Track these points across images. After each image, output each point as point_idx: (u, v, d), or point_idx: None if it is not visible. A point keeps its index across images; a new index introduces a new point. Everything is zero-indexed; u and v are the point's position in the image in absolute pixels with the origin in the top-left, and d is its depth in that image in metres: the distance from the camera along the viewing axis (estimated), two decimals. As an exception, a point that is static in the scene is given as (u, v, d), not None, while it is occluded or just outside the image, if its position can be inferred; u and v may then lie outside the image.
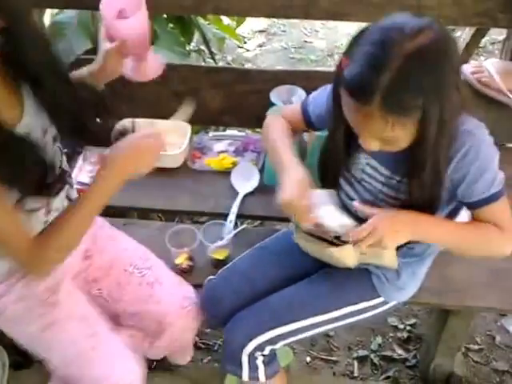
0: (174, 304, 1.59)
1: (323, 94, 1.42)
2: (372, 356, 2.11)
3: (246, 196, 1.87)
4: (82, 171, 1.94)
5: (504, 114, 1.95)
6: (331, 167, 1.41)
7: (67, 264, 1.38)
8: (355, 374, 2.06)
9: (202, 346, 2.14)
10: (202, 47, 2.87)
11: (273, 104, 1.87)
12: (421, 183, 1.22)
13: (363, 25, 1.15)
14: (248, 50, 4.02)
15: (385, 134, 1.12)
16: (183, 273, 1.71)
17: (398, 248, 1.41)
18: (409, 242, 1.32)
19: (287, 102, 1.90)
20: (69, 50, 2.03)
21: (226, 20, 2.91)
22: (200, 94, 2.07)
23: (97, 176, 1.27)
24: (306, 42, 4.07)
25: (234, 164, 1.98)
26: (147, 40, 1.42)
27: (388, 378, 2.04)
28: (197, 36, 2.76)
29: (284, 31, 4.20)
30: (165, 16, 2.48)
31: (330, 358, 2.11)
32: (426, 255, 1.46)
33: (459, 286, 1.68)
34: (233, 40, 3.42)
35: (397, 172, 1.28)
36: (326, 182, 1.46)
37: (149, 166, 1.34)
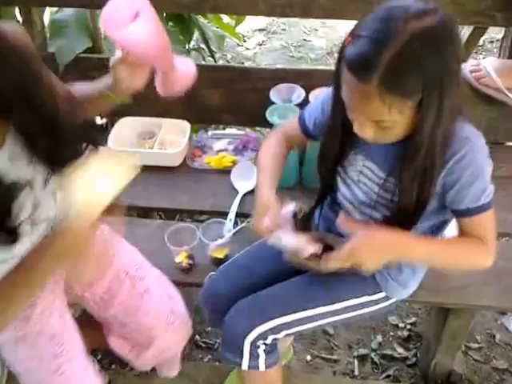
0: (162, 318, 1.59)
1: (318, 100, 1.44)
2: (372, 355, 2.11)
3: (245, 195, 1.87)
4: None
5: (503, 112, 1.95)
6: (328, 168, 1.42)
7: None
8: (355, 373, 2.06)
9: (203, 345, 2.14)
10: (202, 46, 2.86)
11: (272, 103, 1.87)
12: (411, 176, 1.20)
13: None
14: (248, 49, 4.02)
15: (381, 117, 1.11)
16: (183, 271, 1.71)
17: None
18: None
19: (287, 101, 1.91)
20: (68, 48, 2.02)
21: (225, 18, 2.91)
22: (199, 93, 2.07)
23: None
24: (305, 40, 4.08)
25: (234, 163, 1.98)
26: (163, 49, 1.27)
27: (388, 376, 2.04)
28: (196, 34, 2.76)
29: (284, 30, 4.20)
30: (164, 15, 2.48)
31: (330, 356, 2.11)
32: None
33: (459, 284, 1.68)
34: (232, 38, 3.42)
35: (392, 174, 1.28)
36: (324, 183, 1.47)
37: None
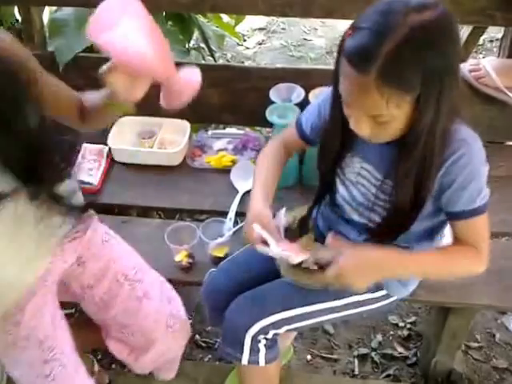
0: (161, 321, 1.59)
1: (315, 104, 1.45)
2: (372, 354, 2.11)
3: (245, 194, 1.87)
4: (81, 169, 1.94)
5: (502, 111, 1.95)
6: (327, 169, 1.42)
7: (42, 279, 1.36)
8: (356, 372, 2.06)
9: (203, 345, 2.14)
10: (202, 45, 2.86)
11: (272, 102, 1.87)
12: (407, 175, 1.20)
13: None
14: (247, 48, 4.02)
15: (379, 111, 1.10)
16: (183, 270, 1.71)
17: (398, 244, 1.43)
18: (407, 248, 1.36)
19: (286, 100, 1.91)
20: (67, 47, 2.02)
21: (225, 18, 2.91)
22: (199, 92, 2.05)
23: None
24: (305, 39, 4.07)
25: (234, 162, 1.98)
26: (159, 59, 1.14)
27: (388, 375, 2.04)
28: (196, 34, 2.76)
29: (283, 29, 4.20)
30: (164, 14, 2.48)
31: (330, 356, 2.11)
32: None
33: (459, 283, 1.68)
34: (232, 38, 3.42)
35: (389, 176, 1.28)
36: (323, 182, 1.47)
37: None
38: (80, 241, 1.45)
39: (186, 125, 2.04)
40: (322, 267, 1.30)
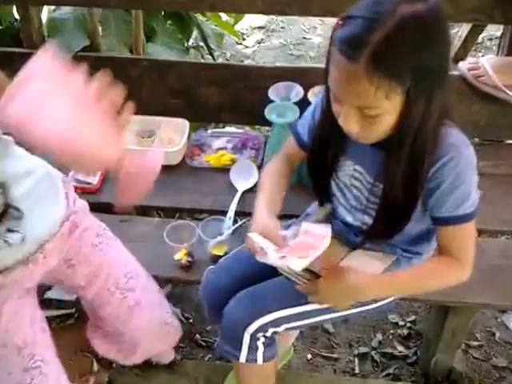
0: (152, 331, 1.58)
1: (308, 111, 1.45)
2: (373, 353, 2.11)
3: (244, 193, 1.86)
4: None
5: (502, 110, 1.95)
6: (321, 174, 1.43)
7: (18, 281, 1.29)
8: (356, 371, 2.06)
9: (203, 344, 2.13)
10: (201, 44, 2.86)
11: (271, 101, 1.87)
12: (396, 175, 1.20)
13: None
14: (247, 47, 4.01)
15: (368, 101, 1.09)
16: (183, 269, 1.70)
17: (396, 247, 1.43)
18: (407, 249, 1.40)
19: (285, 99, 1.90)
20: (66, 46, 2.02)
21: (224, 17, 2.91)
22: (198, 91, 2.07)
23: None
24: (304, 38, 4.07)
25: (233, 161, 1.97)
26: (86, 139, 0.93)
27: (389, 374, 2.04)
28: (195, 33, 2.76)
29: (283, 28, 4.19)
30: (163, 13, 2.48)
31: (330, 355, 2.11)
32: (425, 252, 1.46)
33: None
34: (231, 37, 3.42)
35: (380, 179, 1.28)
36: (317, 188, 1.47)
37: None
38: (64, 241, 1.38)
39: (185, 124, 2.04)
40: (313, 272, 1.32)
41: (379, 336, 2.16)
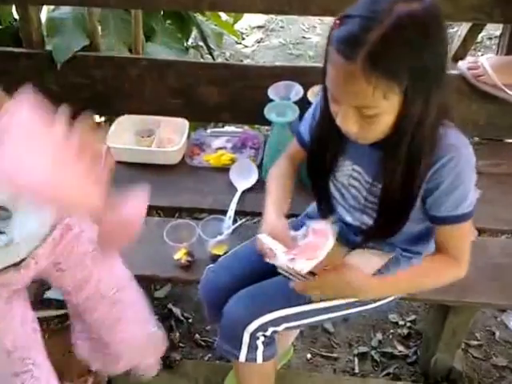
0: (135, 346, 1.56)
1: (309, 112, 1.45)
2: (372, 352, 2.11)
3: (244, 192, 1.86)
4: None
5: (502, 109, 1.95)
6: (319, 175, 1.43)
7: (7, 284, 1.25)
8: (356, 371, 2.06)
9: (203, 344, 2.13)
10: (200, 43, 2.86)
11: (271, 100, 1.86)
12: (393, 173, 1.20)
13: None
14: (246, 46, 4.01)
15: (365, 101, 1.09)
16: (182, 268, 1.70)
17: (395, 247, 1.43)
18: (406, 249, 1.40)
19: (285, 98, 1.90)
20: (65, 46, 2.02)
21: (223, 16, 2.91)
22: (198, 91, 2.06)
23: None
24: (304, 37, 4.07)
25: (233, 160, 1.97)
26: (64, 188, 0.93)
27: (388, 374, 2.04)
28: (195, 32, 2.76)
29: (282, 27, 4.20)
30: (162, 12, 2.48)
31: (330, 354, 2.11)
32: (425, 252, 1.46)
33: (459, 281, 1.67)
34: (231, 36, 3.42)
35: (378, 178, 1.28)
36: (317, 188, 1.47)
37: None
38: (55, 245, 1.32)
39: (184, 123, 2.04)
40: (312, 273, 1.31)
41: (379, 335, 2.16)
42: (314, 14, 1.98)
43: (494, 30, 3.62)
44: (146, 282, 2.28)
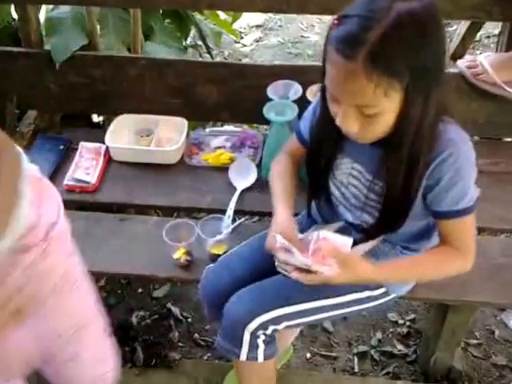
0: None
1: (309, 110, 1.45)
2: (372, 352, 2.11)
3: (243, 191, 1.86)
4: (79, 167, 1.93)
5: (501, 107, 1.95)
6: (319, 173, 1.43)
7: None
8: (355, 370, 2.05)
9: (202, 343, 2.13)
10: (199, 42, 2.85)
11: (270, 99, 1.86)
12: (395, 171, 1.21)
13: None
14: (245, 45, 4.01)
15: (366, 99, 1.09)
16: (181, 268, 1.70)
17: (396, 244, 1.43)
18: (407, 247, 1.40)
19: (284, 97, 1.90)
20: (64, 46, 2.01)
21: (222, 15, 2.90)
22: (196, 90, 2.06)
23: None
24: (302, 36, 4.06)
25: (232, 159, 1.97)
26: None
27: (388, 373, 2.04)
28: (193, 31, 2.75)
29: (281, 26, 4.19)
30: (161, 12, 2.47)
31: (330, 353, 2.11)
32: (424, 250, 1.46)
33: (458, 280, 1.67)
34: (229, 35, 3.41)
35: (378, 176, 1.28)
36: (314, 186, 1.48)
37: None
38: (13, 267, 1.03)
39: (183, 122, 2.04)
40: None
41: (379, 334, 2.16)
42: (312, 13, 1.97)
43: (492, 28, 3.61)
44: (145, 282, 2.29)
